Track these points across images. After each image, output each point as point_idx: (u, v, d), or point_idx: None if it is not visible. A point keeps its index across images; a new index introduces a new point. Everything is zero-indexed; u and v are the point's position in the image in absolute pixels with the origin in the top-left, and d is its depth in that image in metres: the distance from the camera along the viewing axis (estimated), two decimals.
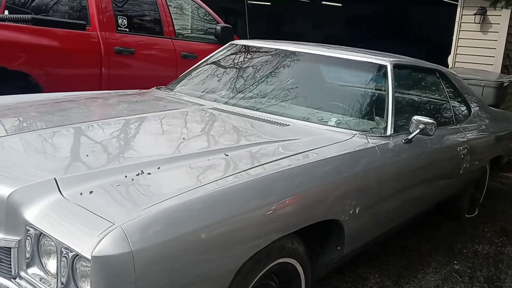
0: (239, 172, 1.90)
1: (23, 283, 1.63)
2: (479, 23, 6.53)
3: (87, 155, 1.94)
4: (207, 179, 1.81)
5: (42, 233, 1.58)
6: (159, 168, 1.88)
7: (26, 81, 4.11)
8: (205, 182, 1.77)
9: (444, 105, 3.60)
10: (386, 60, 3.09)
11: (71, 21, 4.63)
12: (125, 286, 1.39)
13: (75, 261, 1.50)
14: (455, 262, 3.52)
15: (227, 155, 2.08)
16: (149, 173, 1.83)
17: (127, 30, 4.97)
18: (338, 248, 2.35)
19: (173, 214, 1.54)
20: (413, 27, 16.46)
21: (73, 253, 1.48)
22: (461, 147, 3.49)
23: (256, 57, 3.50)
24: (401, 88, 3.14)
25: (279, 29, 15.82)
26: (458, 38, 6.78)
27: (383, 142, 2.64)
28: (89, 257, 1.38)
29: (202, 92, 3.26)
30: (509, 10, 6.39)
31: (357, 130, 2.67)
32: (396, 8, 15.59)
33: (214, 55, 3.80)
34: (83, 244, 1.44)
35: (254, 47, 3.61)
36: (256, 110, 2.87)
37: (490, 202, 4.83)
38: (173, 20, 5.49)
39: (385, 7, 15.62)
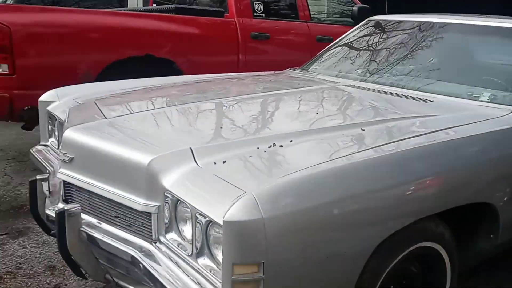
0: (375, 147, 1.76)
1: (162, 247, 1.68)
2: None
3: (221, 128, 1.95)
4: (341, 153, 1.71)
5: (178, 199, 1.61)
6: (291, 141, 1.81)
7: (170, 68, 4.35)
8: (338, 156, 1.66)
9: None
10: None
11: (210, 8, 4.81)
12: (256, 254, 1.35)
13: (208, 227, 1.51)
14: None
15: (363, 130, 1.95)
16: (281, 146, 1.77)
17: (263, 15, 5.02)
18: (492, 236, 2.08)
19: (304, 185, 1.47)
20: None
21: (207, 219, 1.49)
22: None
23: (395, 32, 3.27)
24: None
25: (422, 9, 14.87)
26: None
27: None
28: (221, 223, 1.37)
29: (337, 71, 3.14)
30: None
31: None
32: None
33: (350, 33, 3.65)
34: (216, 211, 1.43)
35: (393, 21, 3.38)
36: (396, 86, 2.67)
37: None
38: (309, 3, 5.41)
39: None
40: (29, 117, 3.91)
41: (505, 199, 2.02)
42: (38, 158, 2.65)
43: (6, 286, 2.56)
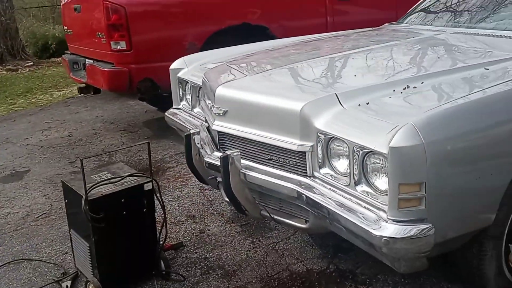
0: (506, 82, 1.91)
1: (317, 180, 1.95)
2: None
3: (355, 75, 2.17)
4: (475, 88, 1.87)
5: (332, 137, 1.86)
6: (422, 82, 2.00)
7: (265, 34, 4.60)
8: (474, 91, 1.84)
9: None
10: None
11: None
12: (418, 174, 1.58)
13: (365, 158, 1.75)
14: None
15: (487, 69, 2.10)
16: (415, 87, 1.97)
17: None
18: None
19: (455, 115, 1.68)
20: None
21: (364, 150, 1.72)
22: None
23: None
24: None
25: None
26: None
27: None
28: (384, 151, 1.60)
29: (439, 20, 3.23)
30: None
31: None
32: None
33: None
34: (374, 142, 1.67)
35: None
36: (507, 30, 2.75)
37: None
38: None
39: None
40: (144, 89, 4.32)
41: None
42: (176, 119, 3.01)
43: None
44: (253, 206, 2.21)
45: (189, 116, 2.98)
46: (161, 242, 2.48)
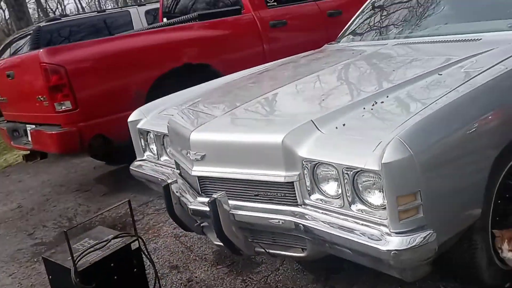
0: (464, 83, 2.04)
1: (309, 207, 1.98)
2: None
3: (323, 99, 2.25)
4: (437, 93, 1.99)
5: (317, 163, 1.91)
6: (387, 96, 2.10)
7: (207, 71, 4.64)
8: (439, 96, 1.95)
9: None
10: None
11: (229, 8, 5.09)
12: (413, 184, 1.65)
13: (355, 178, 1.80)
14: None
15: (441, 74, 2.24)
16: (382, 102, 2.07)
17: (275, 4, 5.28)
18: None
19: (430, 122, 1.77)
20: None
21: (354, 170, 1.78)
22: None
23: None
24: None
25: None
26: None
27: None
28: (376, 168, 1.67)
29: (377, 35, 3.42)
30: None
31: None
32: None
33: (369, 1, 3.91)
34: (363, 161, 1.73)
35: None
36: (441, 35, 2.95)
37: None
38: None
39: None
40: (97, 146, 4.22)
41: None
42: (143, 171, 2.96)
43: None
44: (247, 244, 2.20)
45: (157, 166, 2.94)
46: None
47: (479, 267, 2.08)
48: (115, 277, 2.20)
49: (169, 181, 2.41)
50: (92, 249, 2.16)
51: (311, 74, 2.68)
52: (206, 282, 2.85)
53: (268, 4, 5.21)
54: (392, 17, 3.55)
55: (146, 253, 2.32)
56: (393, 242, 1.66)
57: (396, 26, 3.41)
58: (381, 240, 1.68)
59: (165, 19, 6.23)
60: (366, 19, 3.77)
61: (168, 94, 4.28)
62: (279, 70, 3.16)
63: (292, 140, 1.96)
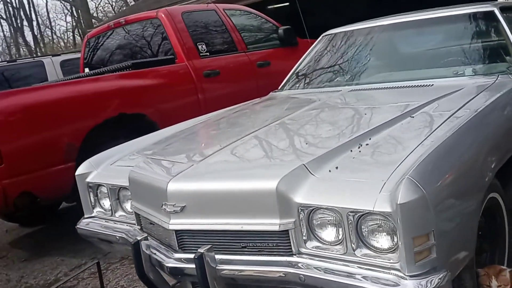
0: (442, 125, 2.11)
1: (305, 256, 1.86)
2: None
3: (306, 144, 2.19)
4: (421, 134, 2.03)
5: (314, 209, 1.82)
6: (370, 139, 2.11)
7: (143, 121, 4.45)
8: (424, 136, 1.99)
9: None
10: (490, 6, 3.27)
11: (163, 58, 4.98)
12: (427, 224, 1.62)
13: (359, 221, 1.73)
14: None
15: (413, 117, 2.30)
16: (367, 144, 2.06)
17: (208, 54, 5.28)
18: None
19: (432, 159, 1.78)
20: None
21: (359, 214, 1.72)
22: None
23: (359, 38, 3.71)
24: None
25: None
26: None
27: None
28: (388, 210, 1.62)
29: (324, 82, 3.50)
30: None
31: (496, 73, 2.85)
32: None
33: (312, 49, 4.03)
34: (370, 203, 1.68)
35: (349, 31, 3.82)
36: (392, 81, 3.08)
37: None
38: (242, 34, 5.77)
39: None
40: (22, 205, 3.80)
41: None
42: (96, 229, 2.67)
43: None
44: None
45: (110, 223, 2.67)
46: None
47: None
48: None
49: (139, 238, 2.18)
50: None
51: (278, 120, 2.63)
52: None
53: (201, 54, 5.19)
54: (335, 66, 3.67)
55: None
56: (411, 287, 1.59)
57: (343, 74, 3.52)
58: (399, 285, 1.61)
59: (86, 69, 5.96)
60: (309, 68, 3.85)
61: (103, 146, 4.02)
62: (238, 116, 3.08)
63: (286, 185, 1.87)
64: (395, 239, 1.68)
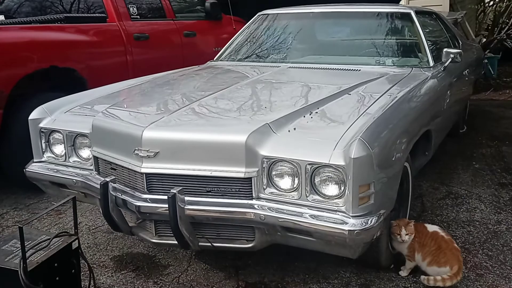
0: (375, 101, 2.56)
1: (263, 200, 2.21)
2: None
3: (266, 108, 2.53)
4: (364, 105, 2.47)
5: (275, 160, 2.17)
6: (318, 108, 2.50)
7: (73, 76, 4.45)
8: (366, 106, 2.42)
9: (446, 39, 4.42)
10: (408, 8, 3.83)
11: (94, 15, 4.94)
12: (370, 176, 2.05)
13: (314, 173, 2.11)
14: (474, 163, 4.43)
15: (350, 94, 2.74)
16: (316, 112, 2.45)
17: (138, 17, 5.33)
18: (426, 153, 3.10)
19: (375, 126, 2.21)
20: None
21: (315, 166, 2.09)
22: (464, 72, 4.33)
23: (293, 22, 4.10)
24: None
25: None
26: None
27: (432, 71, 3.38)
28: (342, 163, 2.02)
29: (260, 58, 3.85)
30: None
31: (411, 66, 3.40)
32: None
33: (248, 26, 4.34)
34: (326, 157, 2.06)
35: (287, 14, 4.19)
36: (325, 63, 3.50)
37: (470, 119, 5.81)
38: (171, 2, 5.88)
39: None
40: None
41: (433, 124, 3.04)
42: (49, 173, 2.78)
43: None
44: (195, 238, 2.31)
45: (64, 167, 2.79)
46: None
47: (380, 250, 2.58)
48: (57, 278, 2.07)
49: (108, 179, 2.36)
50: (38, 247, 2.00)
51: (233, 85, 2.92)
52: (115, 287, 2.78)
53: (132, 16, 5.23)
54: (271, 44, 4.02)
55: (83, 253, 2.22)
56: (354, 223, 2.02)
57: (278, 52, 3.88)
58: (344, 222, 2.02)
59: (1, 17, 5.67)
60: (245, 43, 4.15)
61: (31, 97, 4.00)
62: (187, 79, 3.31)
63: (254, 140, 2.19)
64: (342, 188, 2.09)
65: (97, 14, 4.99)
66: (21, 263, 1.89)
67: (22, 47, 4.04)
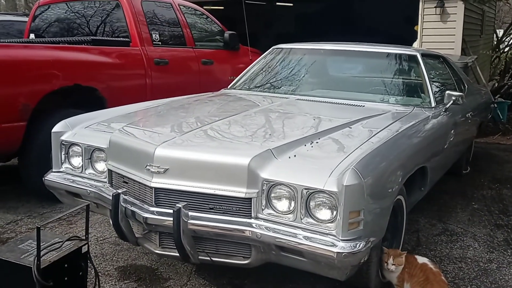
0: (374, 135, 2.74)
1: (261, 220, 2.38)
2: (439, 14, 7.71)
3: (270, 135, 2.72)
4: (359, 140, 2.65)
5: (274, 184, 2.35)
6: (319, 138, 2.69)
7: (94, 95, 4.71)
8: (361, 141, 2.60)
9: (452, 82, 4.60)
10: (414, 51, 4.04)
11: (119, 39, 5.25)
12: (361, 203, 2.21)
13: (309, 197, 2.29)
14: (473, 203, 4.55)
15: (351, 128, 2.92)
16: (317, 142, 2.64)
17: (160, 43, 5.63)
18: (422, 189, 3.25)
19: (370, 158, 2.39)
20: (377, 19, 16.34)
21: (311, 191, 2.27)
22: (467, 114, 4.50)
23: (305, 56, 4.33)
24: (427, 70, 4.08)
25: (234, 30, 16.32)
26: (422, 28, 7.93)
27: (433, 111, 3.56)
28: (334, 190, 2.19)
29: (272, 88, 4.07)
30: (463, 2, 7.62)
31: (413, 105, 3.58)
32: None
33: (262, 58, 4.58)
34: (321, 183, 2.23)
35: (301, 49, 4.43)
36: (331, 98, 3.71)
37: (474, 161, 5.93)
38: (191, 31, 6.19)
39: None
40: None
41: (429, 161, 3.20)
42: (66, 183, 2.98)
43: None
44: (195, 252, 2.48)
45: (80, 179, 2.99)
46: None
47: (370, 277, 2.71)
48: (66, 278, 2.25)
49: (120, 191, 2.56)
50: (52, 248, 2.19)
51: (242, 112, 3.14)
52: None
53: (154, 42, 5.53)
54: (282, 76, 4.25)
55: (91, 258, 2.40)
56: (343, 246, 2.18)
57: (288, 84, 4.10)
58: (334, 245, 2.18)
59: (32, 35, 6.02)
60: (258, 74, 4.38)
61: (54, 112, 4.25)
62: (201, 104, 3.54)
63: (256, 163, 2.38)
64: (334, 213, 2.25)
65: (121, 38, 5.29)
66: (35, 260, 2.07)
67: (50, 64, 4.32)
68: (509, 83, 8.73)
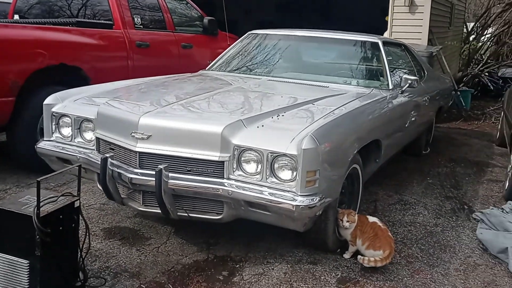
0: (336, 109, 3.13)
1: (232, 180, 2.75)
2: (408, 5, 8.14)
3: (241, 108, 3.09)
4: (320, 114, 3.03)
5: (243, 149, 2.71)
6: (284, 112, 3.06)
7: (79, 75, 4.99)
8: (322, 115, 2.98)
9: (412, 68, 5.03)
10: (377, 38, 4.43)
11: (102, 21, 5.52)
12: (316, 164, 2.60)
13: (273, 160, 2.66)
14: (428, 178, 5.01)
15: (314, 104, 3.30)
16: (283, 115, 3.01)
17: (141, 27, 5.91)
18: (377, 161, 3.66)
19: (327, 128, 2.77)
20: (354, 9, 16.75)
21: (275, 154, 2.64)
22: (424, 98, 4.93)
23: (278, 42, 4.69)
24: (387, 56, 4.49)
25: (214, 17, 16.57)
26: (392, 19, 8.35)
27: (390, 93, 3.97)
28: (295, 153, 2.56)
29: (247, 71, 4.43)
30: None
31: (372, 87, 3.98)
32: None
33: (238, 43, 4.92)
34: (284, 148, 2.61)
35: (275, 35, 4.78)
36: (299, 79, 4.08)
37: (434, 143, 6.40)
38: (172, 16, 6.48)
39: None
40: None
41: (384, 136, 3.61)
42: (57, 150, 3.30)
43: None
44: (175, 208, 2.84)
45: (70, 147, 3.31)
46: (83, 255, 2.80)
47: (328, 234, 3.11)
48: (61, 227, 2.58)
49: (107, 155, 2.89)
50: (48, 200, 2.51)
51: (218, 90, 3.49)
52: (104, 250, 3.28)
53: (136, 25, 5.81)
54: (256, 59, 4.60)
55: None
56: (301, 200, 2.56)
57: (261, 67, 4.46)
58: (293, 199, 2.57)
59: (16, 16, 6.24)
60: (234, 57, 4.73)
61: (39, 89, 4.52)
62: (180, 82, 3.88)
63: (228, 131, 2.74)
64: (294, 173, 2.63)
65: (105, 21, 5.56)
66: (35, 210, 2.40)
67: (37, 44, 4.58)
68: (472, 73, 9.24)
